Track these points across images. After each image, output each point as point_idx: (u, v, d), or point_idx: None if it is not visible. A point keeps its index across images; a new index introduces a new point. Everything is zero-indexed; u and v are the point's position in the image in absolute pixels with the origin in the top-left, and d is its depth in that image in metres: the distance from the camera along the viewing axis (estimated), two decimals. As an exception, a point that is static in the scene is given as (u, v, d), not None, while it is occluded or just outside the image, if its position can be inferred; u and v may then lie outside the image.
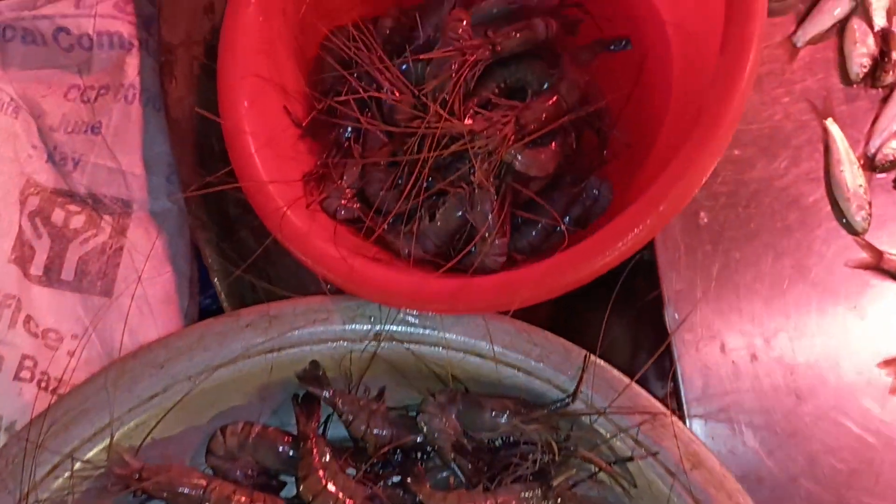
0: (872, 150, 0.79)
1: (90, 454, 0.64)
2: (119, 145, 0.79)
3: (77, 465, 0.63)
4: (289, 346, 0.68)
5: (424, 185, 0.73)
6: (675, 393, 0.72)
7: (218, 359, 0.66)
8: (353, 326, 0.69)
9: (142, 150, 0.80)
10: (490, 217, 0.72)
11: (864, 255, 0.75)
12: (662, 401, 0.71)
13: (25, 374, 0.70)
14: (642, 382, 0.74)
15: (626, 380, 0.69)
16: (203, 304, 0.85)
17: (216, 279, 0.77)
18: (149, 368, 0.65)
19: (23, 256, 0.75)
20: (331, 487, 0.65)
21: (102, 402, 0.65)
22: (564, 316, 0.86)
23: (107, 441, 0.64)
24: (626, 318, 0.83)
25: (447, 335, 0.69)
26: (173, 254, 0.79)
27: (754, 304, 0.75)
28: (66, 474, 0.63)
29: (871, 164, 0.78)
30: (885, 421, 0.72)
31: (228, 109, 0.73)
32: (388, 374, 0.71)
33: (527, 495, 0.66)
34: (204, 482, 0.67)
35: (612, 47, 0.81)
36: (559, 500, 0.67)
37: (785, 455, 0.71)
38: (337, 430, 0.72)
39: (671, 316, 0.73)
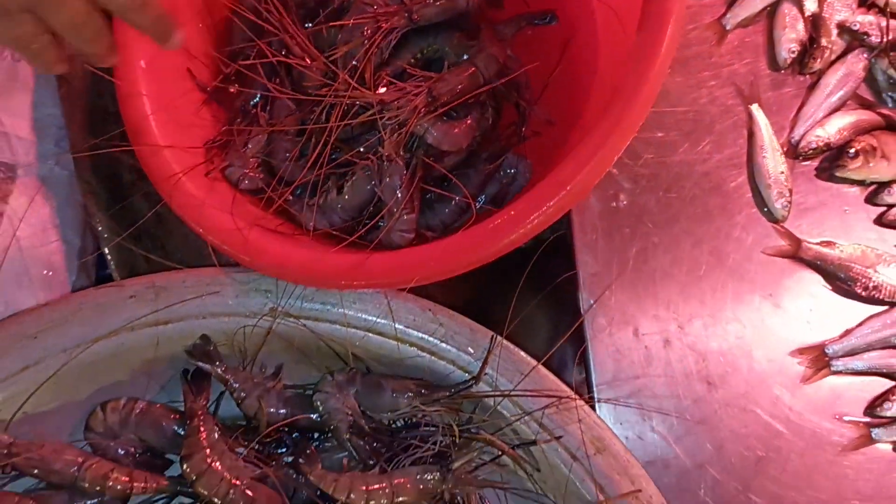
0: (796, 138, 0.83)
1: (-46, 427, 0.64)
2: (3, 106, 0.78)
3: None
4: (177, 319, 0.69)
5: (333, 156, 0.74)
6: (586, 376, 0.74)
7: (97, 331, 0.67)
8: (247, 301, 0.70)
9: (30, 112, 0.79)
10: (399, 191, 0.73)
11: (782, 244, 0.79)
12: (577, 385, 0.74)
13: None
14: (561, 367, 0.77)
15: (534, 362, 0.71)
16: (102, 279, 0.86)
17: (106, 248, 0.77)
18: (20, 339, 0.66)
19: None
20: (217, 466, 0.66)
21: (-32, 372, 0.65)
22: (484, 298, 0.88)
23: (-27, 414, 0.64)
24: (547, 302, 0.86)
25: (347, 312, 0.71)
26: (60, 223, 0.79)
27: (670, 289, 0.78)
28: (-74, 447, 0.63)
29: (794, 152, 0.82)
30: (795, 409, 0.75)
31: (123, 68, 0.73)
32: (286, 351, 0.72)
33: (425, 477, 0.68)
34: (80, 459, 0.67)
35: (536, 21, 0.83)
36: (458, 483, 0.69)
37: (693, 442, 0.74)
38: (232, 409, 0.73)
39: (585, 299, 0.76)
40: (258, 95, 0.80)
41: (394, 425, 0.72)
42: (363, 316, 0.71)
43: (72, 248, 0.79)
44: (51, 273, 0.78)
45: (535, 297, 0.80)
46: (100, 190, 0.77)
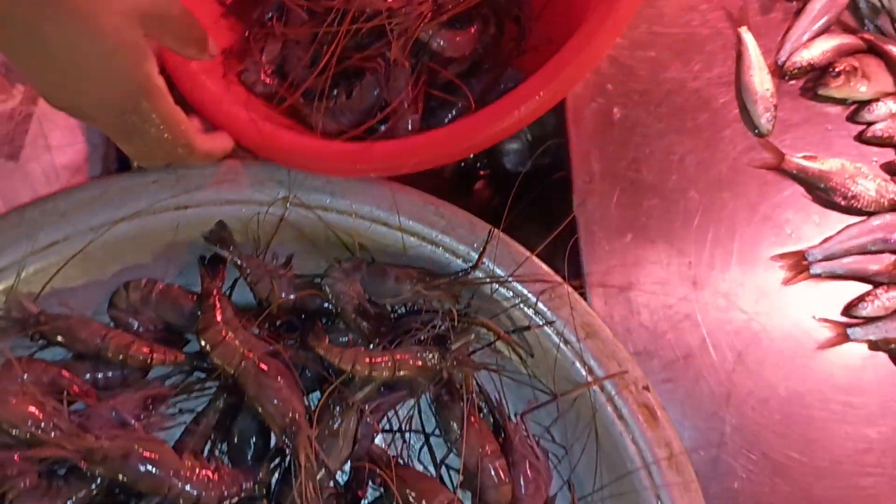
0: (783, 59, 0.88)
1: (-12, 294, 0.69)
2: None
3: (-26, 304, 0.68)
4: (195, 204, 0.74)
5: (343, 59, 0.79)
6: (577, 268, 0.79)
7: (121, 212, 0.72)
8: (262, 189, 0.75)
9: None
10: (404, 93, 0.78)
11: (767, 156, 0.84)
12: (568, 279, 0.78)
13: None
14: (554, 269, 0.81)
15: (528, 254, 0.76)
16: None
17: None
18: (49, 216, 0.71)
19: (-71, 116, 0.80)
20: (231, 339, 0.71)
21: (1, 244, 0.70)
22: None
23: (4, 283, 0.69)
24: (545, 227, 0.91)
25: (355, 204, 0.76)
26: (86, 126, 0.84)
27: (660, 195, 0.83)
28: (-38, 308, 0.68)
29: (780, 72, 0.87)
30: (775, 310, 0.80)
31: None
32: (297, 241, 0.77)
33: (425, 355, 0.73)
34: (103, 331, 0.72)
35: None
36: (456, 363, 0.74)
37: (676, 336, 0.79)
38: (244, 297, 0.78)
39: (577, 197, 0.81)
40: (274, 6, 0.85)
41: (396, 310, 0.77)
42: (369, 207, 0.75)
43: (97, 151, 0.85)
44: (76, 172, 0.83)
45: (535, 227, 0.85)
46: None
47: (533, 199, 0.86)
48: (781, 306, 0.81)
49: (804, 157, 0.84)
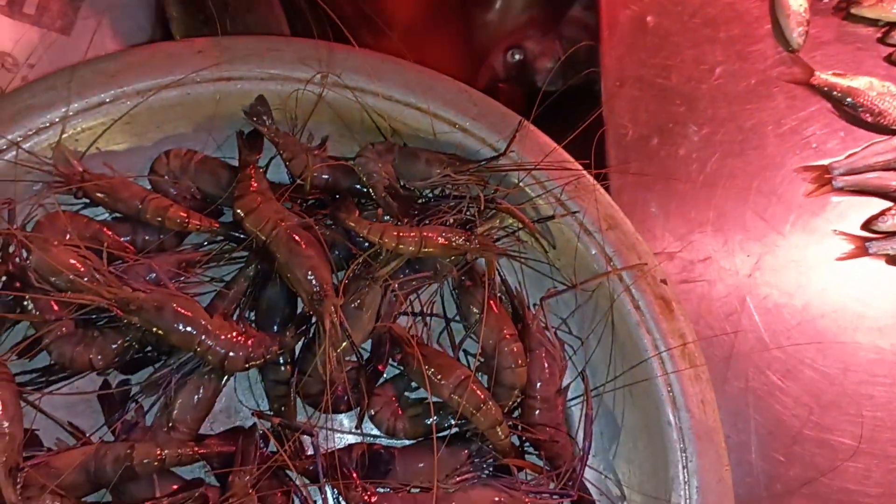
0: (818, -23, 0.89)
1: (35, 146, 0.72)
2: None
3: (21, 155, 0.71)
4: (238, 77, 0.76)
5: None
6: (603, 159, 0.81)
7: (167, 78, 0.75)
8: (303, 67, 0.77)
9: None
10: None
11: (796, 71, 0.86)
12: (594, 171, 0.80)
13: (-20, 81, 0.78)
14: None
15: (556, 145, 0.78)
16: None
17: (176, 32, 0.85)
18: (99, 76, 0.73)
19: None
20: (265, 208, 0.74)
21: (51, 100, 0.73)
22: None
23: (52, 138, 0.73)
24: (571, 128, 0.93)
25: (391, 87, 0.78)
26: (136, 9, 0.87)
27: (687, 100, 0.85)
28: (11, 156, 0.71)
29: (815, -9, 0.89)
30: (796, 219, 0.82)
31: None
32: (333, 123, 0.80)
33: (451, 235, 0.75)
34: (143, 193, 0.75)
35: None
36: (481, 247, 0.76)
37: (696, 239, 0.81)
38: (277, 176, 0.81)
39: (607, 99, 0.83)
40: None
41: (425, 195, 0.80)
42: (405, 91, 0.78)
43: (144, 33, 0.88)
44: (123, 50, 0.86)
45: (559, 109, 0.87)
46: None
47: (560, 99, 0.87)
48: (803, 217, 0.82)
49: (833, 74, 0.85)
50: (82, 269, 0.72)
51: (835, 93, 0.84)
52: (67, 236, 0.72)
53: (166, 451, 0.70)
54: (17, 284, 0.72)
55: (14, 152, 0.72)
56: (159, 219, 0.76)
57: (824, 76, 0.85)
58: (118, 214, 0.78)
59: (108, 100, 0.75)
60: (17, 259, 0.73)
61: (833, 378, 0.79)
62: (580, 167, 0.77)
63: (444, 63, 0.83)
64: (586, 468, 0.75)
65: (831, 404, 0.78)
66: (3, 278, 0.74)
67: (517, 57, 1.03)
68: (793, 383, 0.79)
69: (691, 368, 0.74)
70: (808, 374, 0.79)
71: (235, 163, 0.80)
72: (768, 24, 0.87)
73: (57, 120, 0.73)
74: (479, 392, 0.74)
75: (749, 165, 0.83)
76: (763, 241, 0.81)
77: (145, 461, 0.69)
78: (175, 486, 0.71)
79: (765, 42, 0.86)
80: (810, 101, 0.85)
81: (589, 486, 0.76)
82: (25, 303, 0.72)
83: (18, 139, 0.72)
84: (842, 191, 0.83)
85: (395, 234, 0.75)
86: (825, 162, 0.84)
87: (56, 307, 0.73)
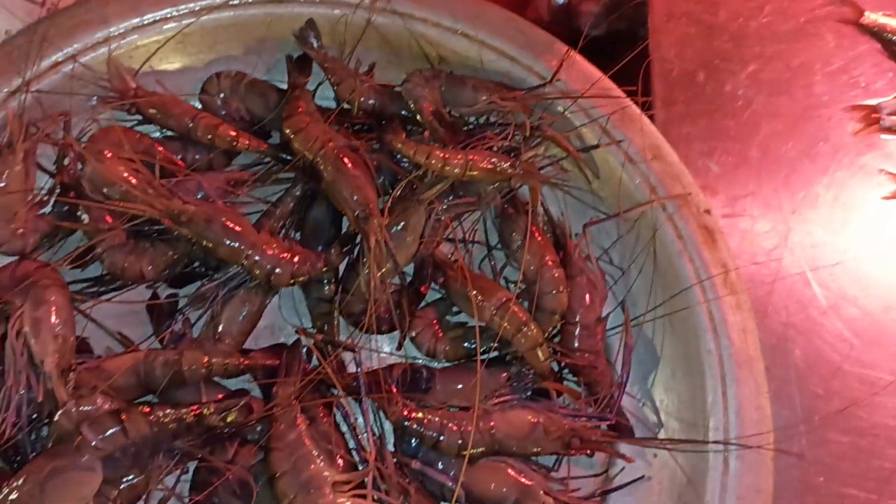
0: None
1: (90, 61, 0.74)
2: None
3: (77, 68, 0.73)
4: (289, 0, 0.78)
5: None
6: (650, 91, 0.82)
7: (220, -1, 0.76)
8: (352, -9, 0.79)
9: None
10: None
11: (846, 10, 0.85)
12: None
13: (38, -1, 0.80)
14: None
15: (601, 74, 0.79)
16: None
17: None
18: (152, -9, 0.75)
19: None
20: (313, 127, 0.75)
21: (106, 15, 0.74)
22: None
23: (107, 52, 0.74)
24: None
25: (440, 14, 0.79)
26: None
27: (735, 38, 0.85)
28: (68, 69, 0.73)
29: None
30: (834, 161, 0.82)
31: None
32: (380, 49, 0.81)
33: (496, 160, 0.76)
34: (194, 112, 0.77)
35: None
36: (525, 173, 0.77)
37: (740, 173, 0.81)
38: (326, 101, 0.82)
39: (654, 34, 0.83)
40: None
41: (470, 123, 0.81)
42: (453, 18, 0.79)
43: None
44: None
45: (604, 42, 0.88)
46: None
47: (604, 44, 0.88)
48: (849, 156, 0.82)
49: (883, 15, 0.85)
50: (135, 182, 0.73)
51: (885, 33, 0.84)
52: (121, 149, 0.75)
53: (213, 360, 0.72)
54: (72, 194, 0.75)
55: (70, 66, 0.74)
56: (209, 137, 0.77)
57: (874, 16, 0.85)
58: (169, 133, 0.80)
59: (161, 18, 0.76)
60: (73, 170, 0.76)
61: (875, 316, 0.79)
62: (625, 96, 0.78)
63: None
64: (624, 395, 0.76)
65: (872, 342, 0.78)
66: (59, 188, 0.77)
67: (561, 0, 1.03)
68: (834, 319, 0.79)
69: (732, 296, 0.74)
70: (850, 311, 0.79)
71: (284, 86, 0.82)
72: (819, -37, 0.87)
73: (112, 35, 0.75)
74: (520, 314, 0.75)
75: (796, 104, 0.83)
76: (808, 179, 0.81)
77: (193, 367, 0.71)
78: (221, 396, 0.74)
79: (814, -19, 0.86)
80: (859, 41, 0.85)
81: (626, 412, 0.77)
82: (79, 213, 0.75)
83: (75, 52, 0.75)
84: (889, 130, 0.83)
85: (441, 155, 0.76)
86: (873, 102, 0.83)
87: (109, 218, 0.75)
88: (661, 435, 0.77)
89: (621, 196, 0.79)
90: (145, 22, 0.76)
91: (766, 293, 0.79)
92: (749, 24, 0.85)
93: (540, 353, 0.75)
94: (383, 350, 0.80)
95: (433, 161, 0.75)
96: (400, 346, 0.79)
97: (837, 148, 0.82)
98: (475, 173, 0.76)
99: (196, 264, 0.77)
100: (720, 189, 0.81)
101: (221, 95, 0.79)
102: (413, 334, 0.79)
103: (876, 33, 0.84)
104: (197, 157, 0.79)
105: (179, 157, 0.78)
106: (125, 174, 0.73)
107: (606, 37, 0.97)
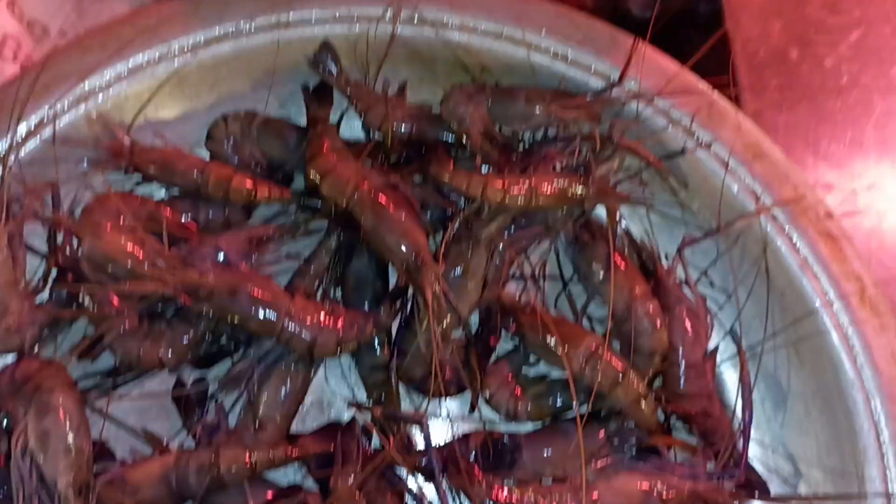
0: None
1: (74, 120, 0.64)
2: None
3: (61, 129, 0.63)
4: (298, 21, 0.67)
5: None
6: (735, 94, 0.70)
7: (216, 30, 0.66)
8: (371, 5, 0.68)
9: None
10: None
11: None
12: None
13: (8, 52, 0.70)
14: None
15: (679, 66, 0.67)
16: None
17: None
18: (141, 33, 0.65)
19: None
20: (343, 168, 0.65)
21: (87, 64, 0.64)
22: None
23: (94, 108, 0.64)
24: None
25: (477, 17, 0.68)
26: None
27: (828, 4, 0.73)
28: (49, 133, 0.63)
29: None
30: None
31: None
32: (410, 64, 0.70)
33: (565, 182, 0.65)
34: (201, 164, 0.67)
35: None
36: (600, 193, 0.65)
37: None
38: (351, 133, 0.71)
39: (731, 4, 0.71)
40: None
41: (526, 139, 0.70)
42: (493, 21, 0.68)
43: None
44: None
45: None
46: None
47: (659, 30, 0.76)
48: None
49: None
50: (141, 255, 0.64)
51: None
52: (121, 219, 0.65)
53: (256, 455, 0.62)
54: (70, 278, 0.66)
55: (51, 128, 0.64)
56: (222, 191, 0.67)
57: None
58: (176, 191, 0.70)
59: (153, 59, 0.66)
60: (68, 249, 0.66)
61: None
62: (711, 90, 0.66)
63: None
64: (749, 443, 0.64)
65: None
66: (54, 273, 0.67)
67: (606, -17, 0.92)
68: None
69: (873, 314, 0.62)
70: None
71: (303, 122, 0.72)
72: None
73: (97, 87, 0.65)
74: (615, 362, 0.64)
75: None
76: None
77: (233, 468, 0.61)
78: (270, 493, 0.63)
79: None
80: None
81: (755, 463, 0.66)
82: (81, 298, 0.65)
83: (56, 112, 0.64)
84: None
85: (501, 185, 0.65)
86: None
87: (116, 300, 0.65)
88: (802, 488, 0.65)
89: (717, 207, 0.67)
90: (132, 67, 0.65)
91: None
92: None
93: (644, 406, 0.65)
94: (453, 416, 0.69)
95: (491, 192, 0.64)
96: (473, 409, 0.68)
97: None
98: (542, 202, 0.65)
99: (224, 340, 0.68)
100: (834, 185, 0.69)
101: (231, 141, 0.69)
102: (488, 394, 0.68)
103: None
104: (211, 215, 0.68)
105: (190, 216, 0.68)
106: (128, 247, 0.63)
107: (666, 19, 0.86)
